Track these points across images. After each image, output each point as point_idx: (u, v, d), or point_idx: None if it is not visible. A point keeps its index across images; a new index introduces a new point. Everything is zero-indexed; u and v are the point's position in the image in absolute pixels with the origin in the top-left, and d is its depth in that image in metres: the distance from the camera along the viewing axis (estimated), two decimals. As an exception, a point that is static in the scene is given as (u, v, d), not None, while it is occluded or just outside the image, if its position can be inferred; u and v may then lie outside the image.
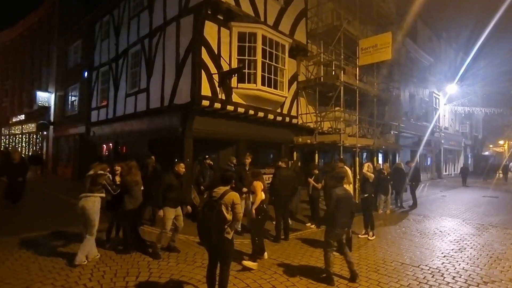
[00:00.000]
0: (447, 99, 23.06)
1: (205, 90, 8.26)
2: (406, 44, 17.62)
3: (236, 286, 4.10)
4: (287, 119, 10.73)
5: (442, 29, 23.77)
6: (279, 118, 10.36)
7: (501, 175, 26.76)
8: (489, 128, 35.85)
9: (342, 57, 11.44)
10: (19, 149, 21.86)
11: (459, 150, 27.37)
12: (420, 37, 20.13)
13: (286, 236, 6.35)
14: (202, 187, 7.42)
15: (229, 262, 3.62)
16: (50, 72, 19.15)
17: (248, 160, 7.32)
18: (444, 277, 4.54)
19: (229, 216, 3.44)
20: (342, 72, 11.02)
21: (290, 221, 7.30)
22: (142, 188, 5.63)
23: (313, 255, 5.44)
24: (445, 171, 24.70)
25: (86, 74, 14.82)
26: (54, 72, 18.79)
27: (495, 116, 29.46)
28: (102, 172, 4.96)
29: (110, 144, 12.92)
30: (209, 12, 8.40)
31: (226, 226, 3.42)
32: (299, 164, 10.73)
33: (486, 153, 36.64)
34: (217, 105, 8.50)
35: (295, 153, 11.35)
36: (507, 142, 41.69)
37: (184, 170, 5.47)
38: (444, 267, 4.96)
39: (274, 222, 6.56)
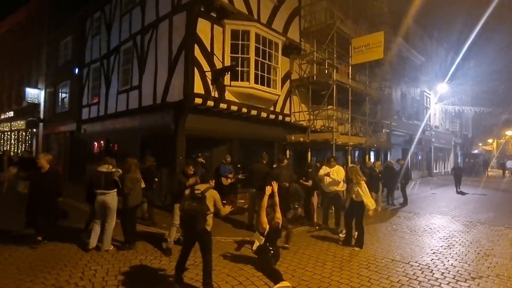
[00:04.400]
0: (438, 98, 23.39)
1: (198, 87, 8.23)
2: (398, 43, 17.78)
3: (229, 284, 4.11)
4: (280, 117, 10.76)
5: (433, 28, 24.04)
6: (272, 116, 10.38)
7: (490, 173, 27.48)
8: (479, 127, 36.52)
9: (335, 55, 11.50)
10: (12, 147, 21.47)
11: (449, 148, 27.80)
12: (412, 37, 20.35)
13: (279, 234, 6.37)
14: None
15: (211, 251, 3.99)
16: (40, 69, 18.79)
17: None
18: (433, 273, 4.63)
19: (211, 208, 4.02)
20: (335, 70, 11.09)
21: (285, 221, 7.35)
22: (142, 186, 5.72)
23: (305, 252, 5.48)
24: (436, 169, 25.08)
25: (76, 70, 14.61)
26: (44, 68, 18.44)
27: (484, 115, 30.05)
28: (114, 169, 5.36)
29: (102, 142, 12.78)
30: (202, 9, 8.36)
31: (207, 218, 3.90)
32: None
33: (476, 151, 37.30)
34: (210, 103, 8.48)
35: (288, 151, 11.39)
36: (495, 140, 42.59)
37: (192, 172, 5.72)
38: (433, 263, 5.05)
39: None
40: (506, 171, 27.82)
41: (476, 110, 27.62)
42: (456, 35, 26.18)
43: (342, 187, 6.97)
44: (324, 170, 7.17)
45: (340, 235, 6.51)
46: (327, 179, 7.06)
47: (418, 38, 21.44)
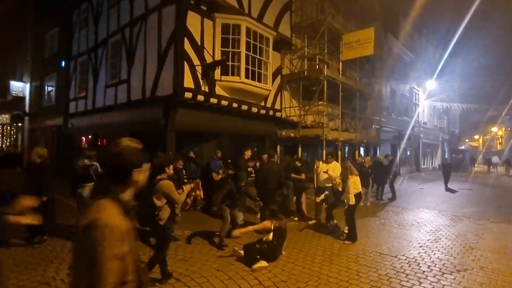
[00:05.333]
0: (427, 94, 23.71)
1: (188, 82, 8.13)
2: (388, 39, 17.92)
3: (219, 278, 4.10)
4: (271, 112, 10.74)
5: (423, 25, 24.30)
6: (262, 112, 10.35)
7: (476, 169, 28.20)
8: (466, 123, 37.26)
9: (326, 51, 11.51)
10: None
11: (437, 144, 28.29)
12: (402, 33, 20.50)
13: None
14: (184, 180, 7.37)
15: (161, 246, 3.90)
16: (25, 61, 18.29)
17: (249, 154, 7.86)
18: (420, 266, 4.71)
19: (159, 203, 3.75)
20: (325, 66, 11.11)
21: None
22: None
23: (295, 247, 5.51)
24: (424, 165, 25.49)
25: (63, 63, 14.26)
26: (29, 61, 17.95)
27: (471, 111, 30.67)
28: (88, 163, 5.33)
29: (90, 137, 12.55)
30: (192, 2, 8.23)
31: (156, 212, 3.73)
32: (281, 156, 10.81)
33: (462, 147, 38.10)
34: (200, 98, 8.39)
35: (278, 146, 11.40)
36: (481, 137, 43.62)
37: (181, 166, 5.88)
38: (420, 256, 5.14)
39: (258, 216, 6.59)
40: (491, 167, 28.56)
41: (463, 107, 28.15)
42: (445, 32, 26.57)
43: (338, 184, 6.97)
44: (321, 167, 7.24)
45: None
46: (323, 175, 7.10)
47: (407, 35, 21.61)
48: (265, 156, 7.63)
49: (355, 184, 5.93)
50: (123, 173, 1.39)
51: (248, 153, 7.89)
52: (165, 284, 3.90)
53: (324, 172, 7.16)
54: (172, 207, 3.95)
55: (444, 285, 4.11)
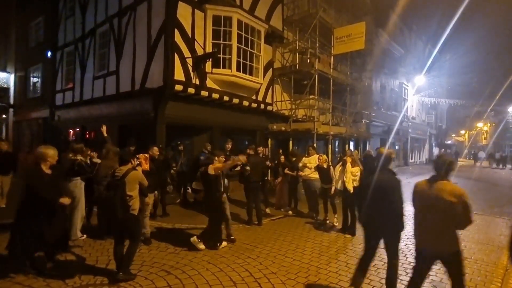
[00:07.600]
0: (415, 90, 24.04)
1: (178, 74, 8.04)
2: (379, 35, 18.02)
3: (210, 271, 4.12)
4: (262, 106, 10.72)
5: (413, 21, 24.48)
6: (254, 105, 10.33)
7: (461, 163, 28.89)
8: (452, 119, 37.98)
9: (317, 45, 11.51)
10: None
11: (425, 139, 28.81)
12: (392, 29, 20.62)
13: (259, 222, 6.43)
14: (172, 171, 7.33)
15: (137, 238, 3.85)
16: (9, 51, 17.73)
17: (229, 146, 7.82)
18: (407, 257, 4.83)
19: (133, 193, 3.75)
20: (317, 60, 11.11)
21: (268, 209, 7.40)
22: None
23: (285, 239, 5.57)
24: (412, 159, 25.95)
25: (49, 54, 13.88)
26: (13, 50, 17.43)
27: (458, 107, 31.27)
28: (73, 157, 5.12)
29: (77, 129, 12.31)
30: (182, -8, 8.09)
31: (130, 203, 3.69)
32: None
33: (449, 142, 38.89)
34: (191, 90, 8.31)
35: (269, 140, 11.42)
36: (467, 132, 44.56)
37: (158, 153, 5.59)
38: (407, 248, 5.26)
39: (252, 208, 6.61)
40: (478, 162, 29.34)
41: (450, 103, 28.68)
42: (434, 29, 26.84)
43: (315, 174, 6.96)
44: (304, 161, 7.28)
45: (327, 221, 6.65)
46: (307, 171, 7.12)
47: (398, 31, 21.78)
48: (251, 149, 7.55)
49: (355, 174, 5.99)
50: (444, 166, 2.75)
51: (228, 146, 7.92)
52: (155, 278, 3.89)
53: (304, 166, 7.20)
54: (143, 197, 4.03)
55: (429, 274, 4.21)
